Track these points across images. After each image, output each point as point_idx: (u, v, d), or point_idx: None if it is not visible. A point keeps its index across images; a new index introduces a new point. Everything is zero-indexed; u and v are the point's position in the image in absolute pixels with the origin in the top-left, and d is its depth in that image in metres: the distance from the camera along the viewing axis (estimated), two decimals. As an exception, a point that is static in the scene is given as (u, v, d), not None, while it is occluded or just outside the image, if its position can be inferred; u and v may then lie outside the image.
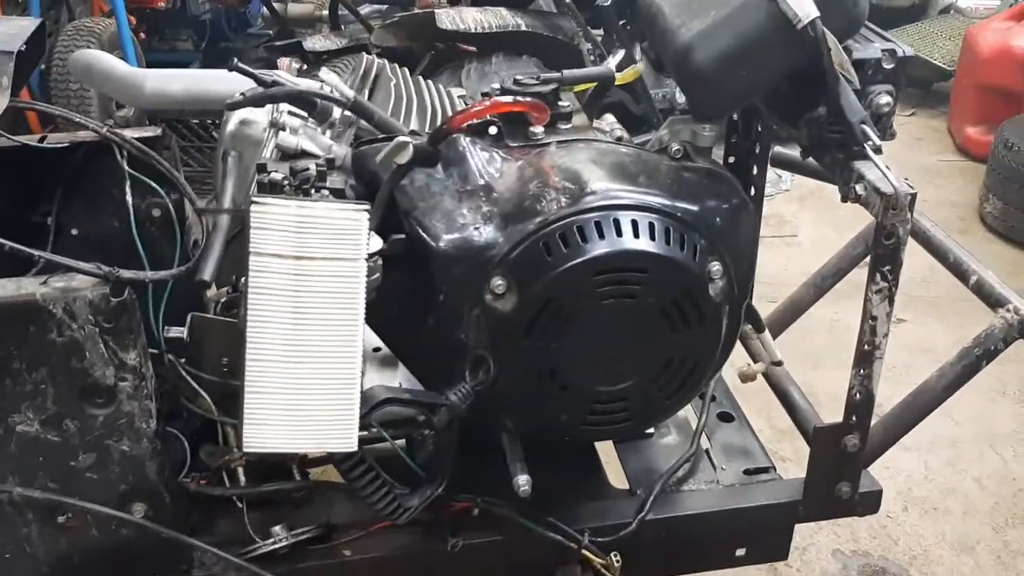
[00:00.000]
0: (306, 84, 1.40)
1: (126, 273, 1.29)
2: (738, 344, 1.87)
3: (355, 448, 1.10)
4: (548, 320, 1.30)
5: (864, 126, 1.36)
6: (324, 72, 1.41)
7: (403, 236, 1.31)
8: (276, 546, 1.46)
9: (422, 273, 1.34)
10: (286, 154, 1.40)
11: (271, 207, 1.04)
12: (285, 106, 1.43)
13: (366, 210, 1.10)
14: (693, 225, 1.34)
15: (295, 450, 1.08)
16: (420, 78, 1.60)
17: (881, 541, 2.45)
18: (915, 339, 3.35)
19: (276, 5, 4.41)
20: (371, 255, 1.26)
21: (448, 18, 2.29)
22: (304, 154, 1.41)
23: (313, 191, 1.29)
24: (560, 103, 1.48)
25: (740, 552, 1.66)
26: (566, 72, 1.51)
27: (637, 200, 1.33)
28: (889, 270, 1.41)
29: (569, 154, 1.40)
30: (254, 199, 1.05)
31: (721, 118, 1.47)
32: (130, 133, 1.74)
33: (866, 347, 1.48)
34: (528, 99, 1.35)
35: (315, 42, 2.53)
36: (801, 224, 4.52)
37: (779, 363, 1.74)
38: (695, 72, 1.40)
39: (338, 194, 1.33)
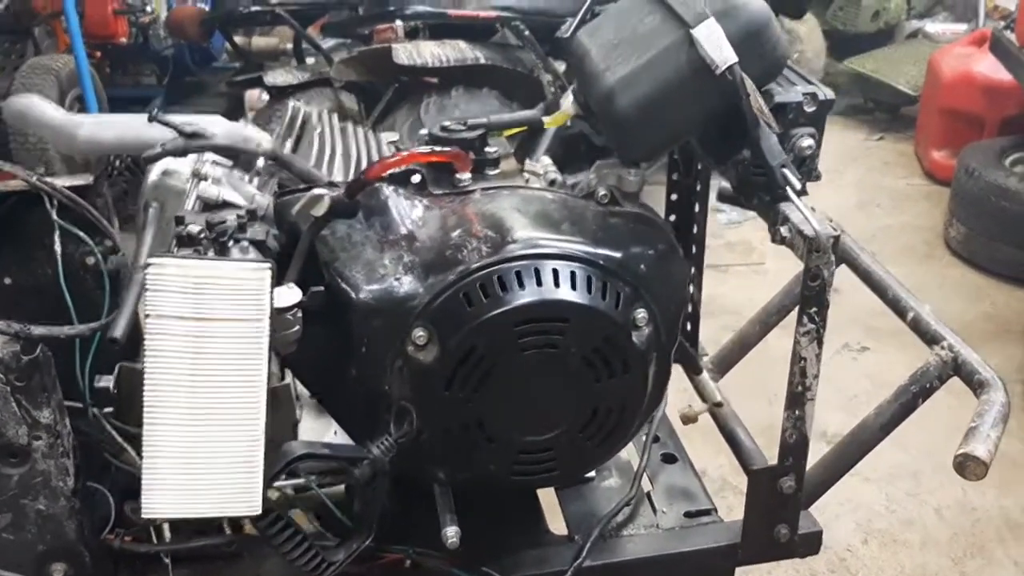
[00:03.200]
0: (226, 134, 1.38)
1: (37, 330, 1.27)
2: (686, 383, 1.89)
3: (258, 512, 1.08)
4: (470, 371, 1.29)
5: (784, 170, 1.35)
6: (242, 123, 1.40)
7: (322, 288, 1.29)
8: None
9: (343, 324, 1.32)
10: (208, 205, 1.39)
11: (168, 267, 1.02)
12: (210, 155, 1.42)
13: (269, 268, 1.09)
14: (616, 273, 1.33)
15: (197, 515, 1.06)
16: (349, 125, 1.59)
17: (840, 575, 2.43)
18: (876, 368, 3.35)
19: (240, 39, 4.42)
20: (290, 307, 1.25)
21: (405, 53, 2.29)
22: (226, 204, 1.40)
23: (232, 243, 1.28)
24: (487, 148, 1.48)
25: (682, 597, 1.65)
26: (492, 117, 1.51)
27: (559, 248, 1.32)
28: (816, 312, 1.41)
29: (493, 201, 1.40)
30: (150, 259, 1.03)
31: (647, 161, 1.47)
32: (61, 181, 1.72)
33: (797, 388, 1.47)
34: (448, 149, 1.34)
35: (276, 76, 2.52)
36: (768, 252, 4.53)
37: (719, 404, 1.73)
38: (617, 118, 1.40)
39: (258, 245, 1.32)
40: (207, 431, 1.02)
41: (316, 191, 1.26)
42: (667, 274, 1.42)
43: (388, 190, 1.37)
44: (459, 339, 1.28)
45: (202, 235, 1.26)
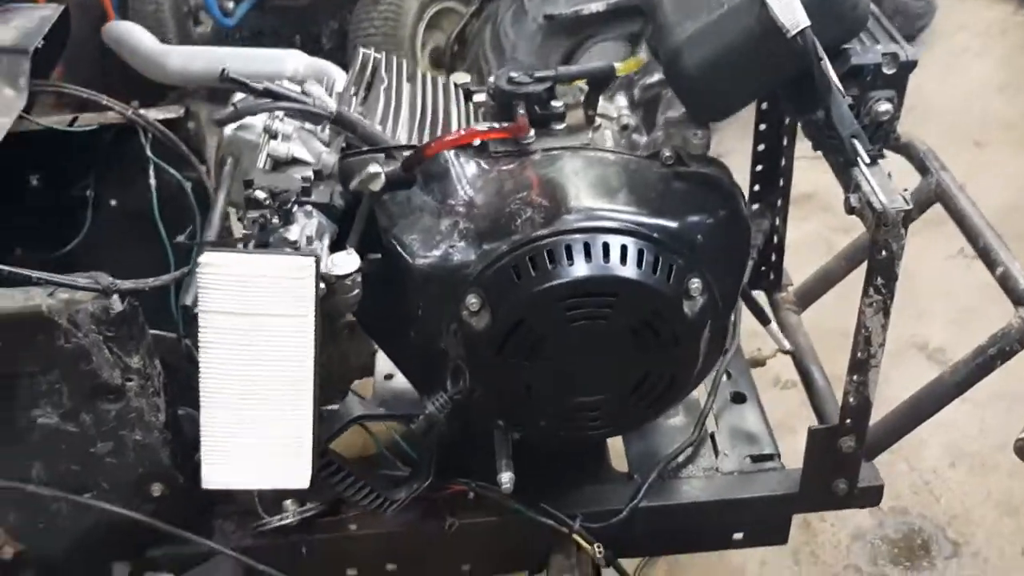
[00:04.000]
0: (291, 94, 1.41)
1: (124, 284, 1.37)
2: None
3: (307, 486, 1.17)
4: (519, 340, 1.32)
5: (855, 140, 1.29)
6: (309, 83, 1.42)
7: (380, 256, 1.34)
8: (286, 521, 1.58)
9: (401, 288, 1.37)
10: (278, 162, 1.44)
11: (215, 265, 1.08)
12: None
13: (313, 261, 1.13)
14: (670, 244, 1.32)
15: (251, 487, 1.16)
16: (419, 72, 1.58)
17: (923, 498, 2.42)
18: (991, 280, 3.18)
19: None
20: (348, 275, 1.30)
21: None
22: (295, 162, 1.44)
23: (296, 208, 1.34)
24: (553, 103, 1.46)
25: (737, 536, 1.69)
26: (561, 69, 1.48)
27: (612, 221, 1.31)
28: (883, 284, 1.37)
29: (552, 165, 1.39)
30: (201, 257, 1.09)
31: (716, 121, 1.42)
32: (154, 114, 1.80)
33: (861, 355, 1.44)
34: (507, 125, 1.33)
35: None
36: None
37: (789, 352, 1.72)
38: (685, 76, 1.36)
39: (323, 208, 1.37)
40: (258, 414, 1.10)
41: (371, 169, 1.29)
42: (727, 240, 1.40)
43: (449, 154, 1.38)
44: (508, 310, 1.31)
45: (267, 201, 1.31)
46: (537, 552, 1.65)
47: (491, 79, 1.53)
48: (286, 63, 1.69)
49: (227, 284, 1.07)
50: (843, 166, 1.37)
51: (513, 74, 1.47)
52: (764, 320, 1.67)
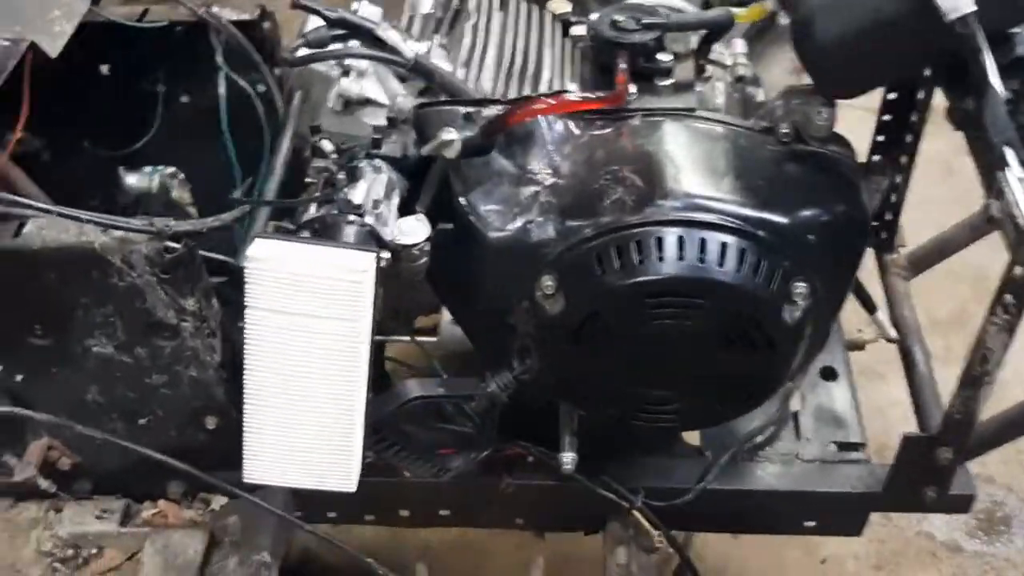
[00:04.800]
0: (368, 25, 1.27)
1: (179, 226, 1.28)
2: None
3: (353, 489, 1.10)
4: (595, 330, 1.21)
5: (1007, 149, 1.10)
6: (384, 28, 1.26)
7: (451, 226, 1.22)
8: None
9: (472, 257, 1.25)
10: (349, 102, 1.31)
11: (266, 260, 0.98)
12: (356, 43, 1.31)
13: (374, 258, 1.02)
14: (777, 244, 1.17)
15: (293, 486, 1.10)
16: (512, 4, 1.40)
17: (1011, 469, 2.28)
18: None
19: None
20: (415, 244, 1.19)
21: None
22: (368, 102, 1.31)
23: (363, 162, 1.22)
24: (660, 56, 1.28)
25: (809, 524, 1.60)
26: (673, 16, 1.29)
27: (712, 213, 1.16)
28: (1014, 304, 1.20)
29: (651, 135, 1.23)
30: (250, 250, 0.99)
31: (846, 99, 1.23)
32: (228, 13, 1.67)
33: (976, 372, 1.29)
34: (603, 94, 1.16)
35: None
36: None
37: (894, 341, 1.57)
38: (817, 45, 1.17)
39: (393, 162, 1.25)
40: (305, 415, 1.02)
41: (446, 135, 1.15)
42: (842, 238, 1.23)
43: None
44: (586, 299, 1.19)
45: (332, 155, 1.20)
46: (594, 516, 1.59)
47: (593, 16, 1.35)
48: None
49: (278, 279, 0.97)
50: (987, 167, 1.18)
51: (617, 17, 1.29)
52: (871, 308, 1.52)
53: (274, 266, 0.97)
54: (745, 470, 1.55)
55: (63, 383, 1.45)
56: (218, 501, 1.62)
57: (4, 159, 1.52)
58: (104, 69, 1.78)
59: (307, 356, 0.99)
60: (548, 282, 1.21)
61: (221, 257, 1.41)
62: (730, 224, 1.16)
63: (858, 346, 1.63)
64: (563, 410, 1.43)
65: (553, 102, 1.16)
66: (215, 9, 1.64)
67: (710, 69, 1.38)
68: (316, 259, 0.99)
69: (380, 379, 1.45)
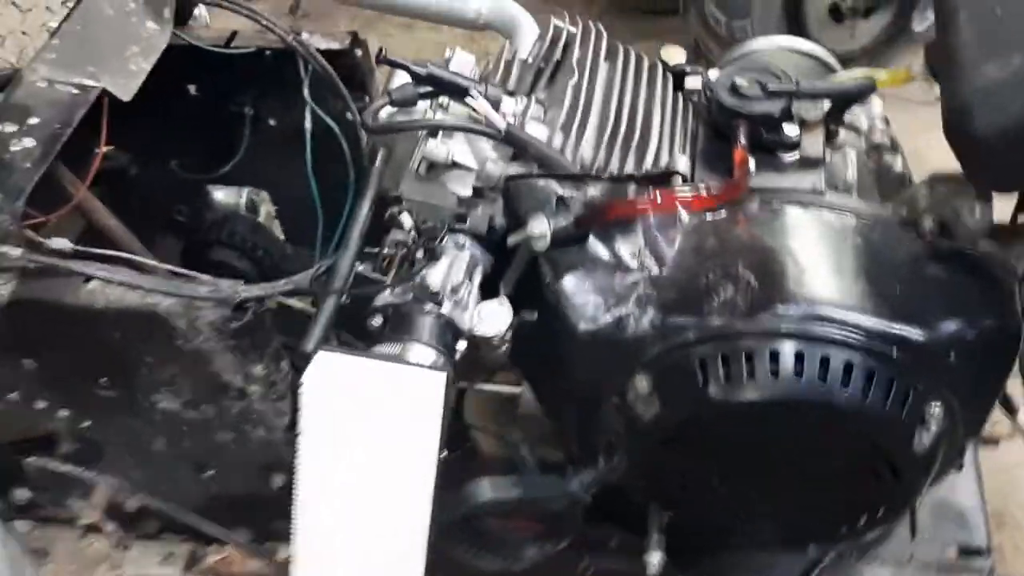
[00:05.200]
0: (459, 82, 1.14)
1: (247, 292, 1.19)
2: None
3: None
4: (692, 441, 1.08)
5: None
6: (475, 89, 1.13)
7: (536, 315, 1.10)
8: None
9: (561, 348, 1.13)
10: (434, 165, 1.19)
11: (330, 370, 0.88)
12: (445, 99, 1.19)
13: (444, 377, 0.91)
14: (912, 364, 1.01)
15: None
16: (619, 49, 1.25)
17: None
18: None
19: None
20: (497, 335, 1.08)
21: None
22: (455, 166, 1.19)
23: (446, 239, 1.11)
24: (787, 127, 1.13)
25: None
26: (803, 84, 1.13)
27: (840, 324, 1.01)
28: None
29: (772, 223, 1.08)
30: (315, 358, 0.89)
31: (1009, 193, 1.06)
32: (318, 41, 1.57)
33: None
34: (715, 190, 1.01)
35: None
36: None
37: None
38: (972, 137, 0.99)
39: (478, 238, 1.13)
40: (361, 544, 0.92)
41: (534, 229, 1.02)
42: (990, 355, 1.07)
43: (632, 190, 1.09)
44: (685, 410, 1.06)
45: (411, 233, 1.09)
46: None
47: (712, 74, 1.20)
48: (469, 2, 1.39)
49: (340, 391, 0.87)
50: None
51: (739, 80, 1.14)
52: (1012, 409, 1.34)
53: (339, 377, 0.87)
54: (852, 572, 1.40)
55: (130, 431, 1.40)
56: (284, 551, 1.56)
57: (83, 191, 1.45)
58: (192, 89, 1.70)
59: (368, 482, 0.89)
60: (642, 383, 1.08)
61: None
62: (858, 340, 1.00)
63: (992, 441, 1.45)
64: (652, 508, 1.30)
65: (659, 198, 1.01)
66: (305, 36, 1.54)
67: (842, 134, 1.22)
68: (382, 380, 0.88)
69: (458, 434, 1.35)
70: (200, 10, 1.74)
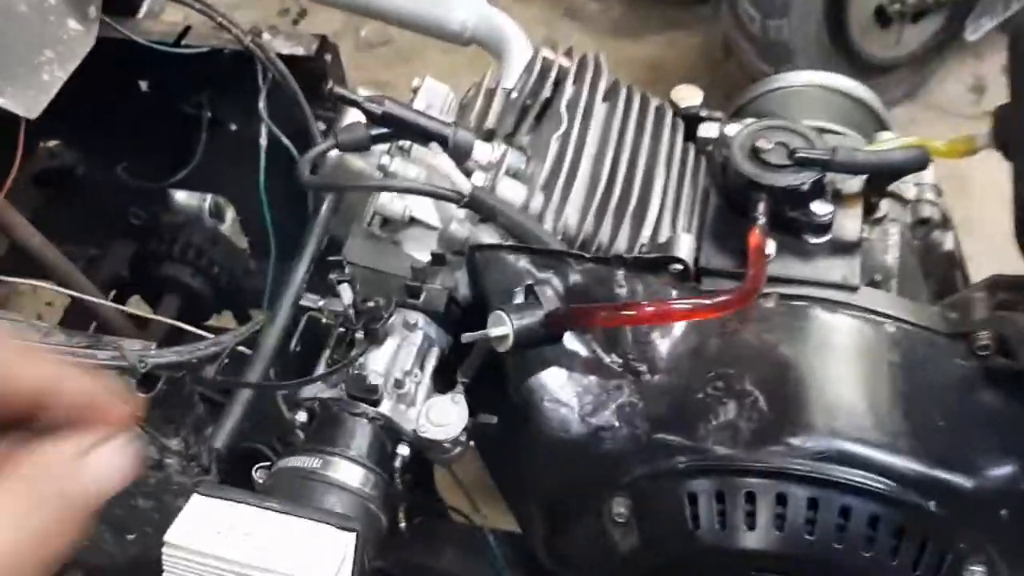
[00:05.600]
0: (424, 124, 0.94)
1: (158, 359, 1.00)
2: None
3: None
4: (675, 582, 0.89)
5: None
6: (436, 153, 0.93)
7: (495, 420, 0.90)
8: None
9: (528, 453, 0.94)
10: (389, 220, 0.99)
11: (195, 528, 0.69)
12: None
13: (355, 535, 0.71)
14: (953, 519, 0.81)
15: None
16: (621, 88, 1.04)
17: None
18: None
19: None
20: (448, 439, 0.89)
21: None
22: (413, 223, 0.99)
23: (394, 319, 0.91)
24: (816, 206, 0.92)
25: None
26: (841, 151, 0.92)
27: (868, 467, 0.81)
28: None
29: (789, 329, 0.88)
30: (167, 539, 0.71)
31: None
32: (281, 44, 1.36)
33: None
34: (722, 298, 0.80)
35: None
36: None
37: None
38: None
39: (434, 316, 0.94)
40: None
41: (495, 330, 0.82)
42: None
43: (620, 277, 0.89)
44: (667, 547, 0.86)
45: (348, 311, 0.89)
46: None
47: (729, 129, 0.99)
48: (455, 10, 1.19)
49: (209, 556, 0.68)
50: None
51: (761, 143, 0.93)
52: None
53: (209, 544, 0.68)
54: None
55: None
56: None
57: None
58: (143, 85, 1.50)
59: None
60: (620, 508, 0.88)
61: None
62: (889, 489, 0.80)
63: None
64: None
65: (652, 308, 0.81)
66: (266, 36, 1.34)
67: (884, 206, 1.01)
68: (271, 538, 0.69)
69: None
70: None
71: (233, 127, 1.53)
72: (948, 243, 1.05)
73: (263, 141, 1.34)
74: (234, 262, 1.70)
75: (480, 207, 0.90)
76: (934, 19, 2.68)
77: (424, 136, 0.96)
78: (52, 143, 1.63)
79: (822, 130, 1.12)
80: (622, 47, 3.27)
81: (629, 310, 0.81)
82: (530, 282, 0.87)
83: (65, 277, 1.39)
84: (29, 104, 1.06)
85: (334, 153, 1.01)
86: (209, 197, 1.79)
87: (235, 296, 1.72)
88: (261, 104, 1.31)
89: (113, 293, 1.78)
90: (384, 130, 0.95)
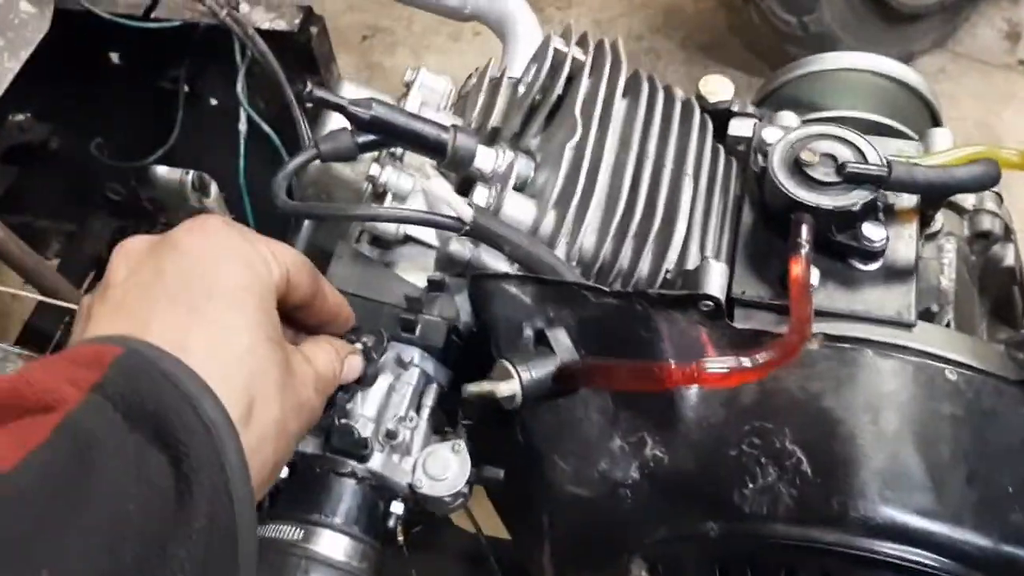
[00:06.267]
0: (416, 128, 0.82)
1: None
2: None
3: None
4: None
5: None
6: (433, 179, 0.80)
7: (502, 475, 0.80)
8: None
9: (539, 507, 0.84)
10: (380, 238, 0.88)
11: None
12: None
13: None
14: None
15: None
16: (642, 78, 0.91)
17: None
18: None
19: None
20: (447, 495, 0.79)
21: None
22: (408, 241, 0.88)
23: (387, 355, 0.81)
24: (868, 229, 0.80)
25: None
26: (898, 164, 0.80)
27: (929, 544, 0.71)
28: None
29: (836, 379, 0.76)
30: None
31: None
32: (260, 16, 1.23)
33: None
34: (752, 361, 0.68)
35: None
36: None
37: None
38: None
39: (432, 351, 0.83)
40: None
41: (502, 388, 0.71)
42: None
43: (644, 315, 0.78)
44: (696, 627, 0.77)
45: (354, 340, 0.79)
46: None
47: (766, 132, 0.87)
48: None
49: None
50: None
51: (805, 156, 0.80)
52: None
53: None
54: None
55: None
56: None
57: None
58: (115, 58, 1.38)
59: None
60: (640, 572, 0.79)
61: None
62: (951, 570, 0.70)
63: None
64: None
65: (678, 371, 0.69)
66: (244, 9, 1.21)
67: (939, 217, 0.89)
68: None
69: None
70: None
71: (213, 101, 1.41)
72: (1009, 258, 0.94)
73: (242, 127, 1.22)
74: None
75: (484, 235, 0.78)
76: (970, -37, 2.51)
77: (419, 144, 0.84)
78: (21, 117, 1.51)
79: (870, 124, 1.01)
80: (638, -10, 3.10)
81: (655, 373, 0.70)
82: (541, 325, 0.76)
83: (32, 269, 1.28)
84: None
85: (315, 166, 0.89)
86: (192, 175, 1.67)
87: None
88: (239, 87, 1.19)
89: (92, 275, 1.68)
90: (372, 137, 0.82)
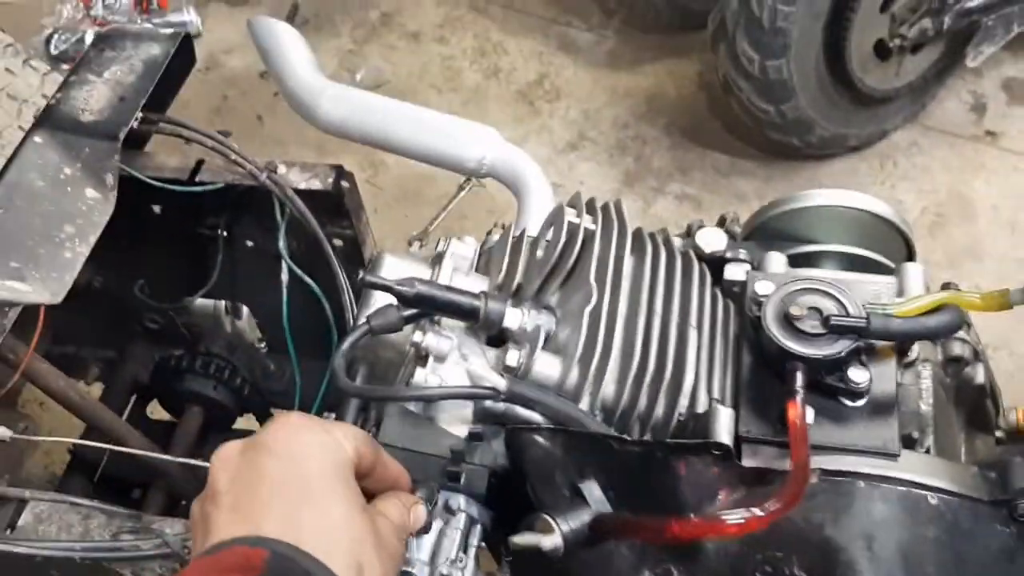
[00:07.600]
0: (453, 304, 0.94)
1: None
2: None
3: None
4: None
5: None
6: (471, 358, 0.93)
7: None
8: None
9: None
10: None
11: None
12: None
13: None
14: None
15: None
16: (645, 238, 1.04)
17: None
18: None
19: None
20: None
21: None
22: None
23: (435, 505, 0.92)
24: (852, 372, 0.92)
25: None
26: (875, 318, 0.92)
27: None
28: None
29: (834, 508, 0.88)
30: None
31: None
32: (296, 177, 1.36)
33: None
34: (774, 502, 0.80)
35: None
36: None
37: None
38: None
39: (475, 496, 0.94)
40: None
41: (545, 541, 0.83)
42: None
43: (663, 462, 0.89)
44: None
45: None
46: None
47: (759, 287, 1.00)
48: (471, 147, 1.19)
49: None
50: None
51: (794, 310, 0.93)
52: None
53: None
54: None
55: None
56: None
57: (28, 355, 1.27)
58: (156, 209, 1.50)
59: None
60: None
61: None
62: None
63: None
64: None
65: (699, 524, 0.81)
66: (281, 171, 1.34)
67: (915, 347, 1.01)
68: None
69: None
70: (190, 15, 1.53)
71: (250, 244, 1.53)
72: (979, 376, 1.06)
73: (284, 276, 1.34)
74: (254, 366, 1.70)
75: (518, 400, 0.91)
76: (933, 49, 2.67)
77: (455, 312, 0.96)
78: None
79: (851, 258, 1.13)
80: (619, 79, 3.25)
81: (680, 528, 0.81)
82: (572, 472, 0.88)
83: (96, 415, 1.38)
84: (53, 288, 1.06)
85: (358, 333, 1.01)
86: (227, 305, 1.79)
87: (256, 399, 1.73)
88: (281, 244, 1.31)
89: (133, 399, 1.79)
90: (415, 311, 0.95)
